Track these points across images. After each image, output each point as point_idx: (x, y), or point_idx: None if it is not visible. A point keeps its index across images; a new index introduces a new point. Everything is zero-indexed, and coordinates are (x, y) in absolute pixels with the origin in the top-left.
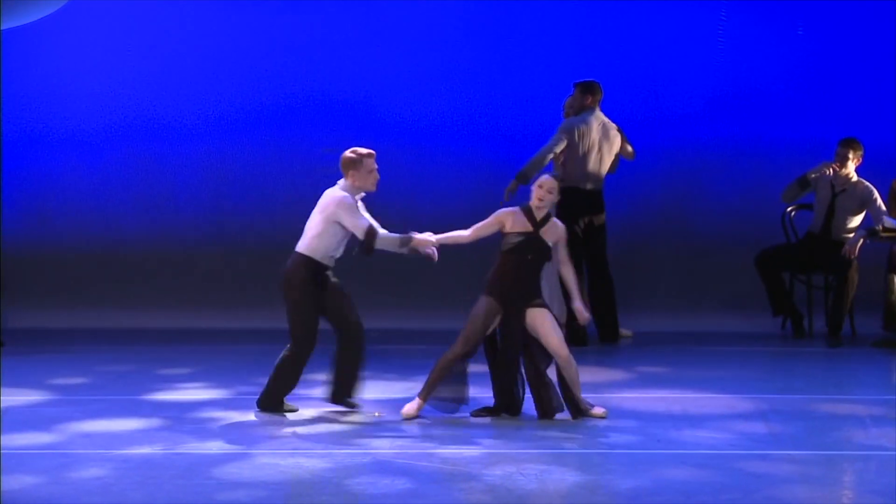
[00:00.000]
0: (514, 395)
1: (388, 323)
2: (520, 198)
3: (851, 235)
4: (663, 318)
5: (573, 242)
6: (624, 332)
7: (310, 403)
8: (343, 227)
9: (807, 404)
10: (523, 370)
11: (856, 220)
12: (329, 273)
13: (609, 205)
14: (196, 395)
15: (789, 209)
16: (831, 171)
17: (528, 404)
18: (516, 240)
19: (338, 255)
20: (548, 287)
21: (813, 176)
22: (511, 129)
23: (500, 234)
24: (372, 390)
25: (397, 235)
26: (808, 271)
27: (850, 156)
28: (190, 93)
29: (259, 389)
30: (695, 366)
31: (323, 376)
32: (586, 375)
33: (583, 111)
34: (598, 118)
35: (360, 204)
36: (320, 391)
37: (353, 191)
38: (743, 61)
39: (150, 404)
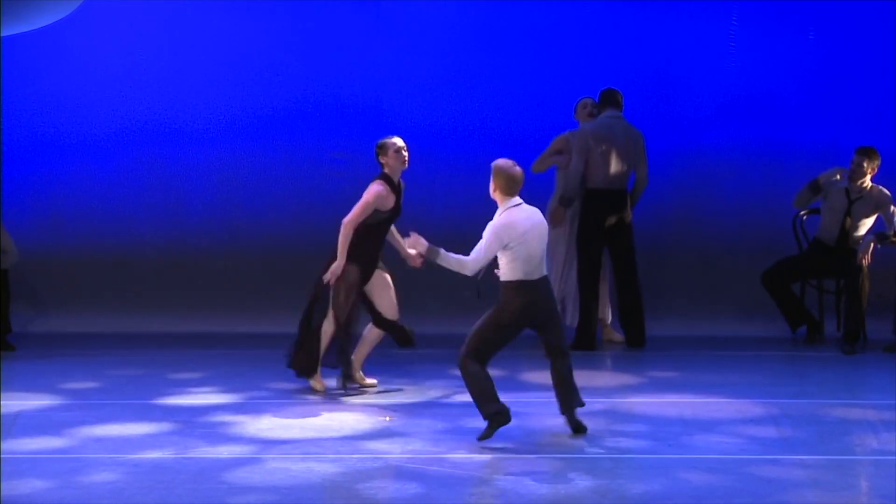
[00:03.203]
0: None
1: None
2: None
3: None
4: (674, 323)
5: (596, 243)
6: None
7: (319, 408)
8: None
9: (818, 409)
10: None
11: (868, 224)
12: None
13: None
14: (207, 399)
15: (801, 213)
16: (840, 176)
17: (534, 411)
18: (386, 216)
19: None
20: (555, 289)
21: (823, 181)
22: (523, 133)
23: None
24: (381, 395)
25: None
26: (819, 277)
27: (866, 164)
28: (201, 97)
29: (271, 394)
30: (706, 370)
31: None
32: (598, 380)
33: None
34: (617, 122)
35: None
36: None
37: None
38: (754, 66)
39: (161, 408)
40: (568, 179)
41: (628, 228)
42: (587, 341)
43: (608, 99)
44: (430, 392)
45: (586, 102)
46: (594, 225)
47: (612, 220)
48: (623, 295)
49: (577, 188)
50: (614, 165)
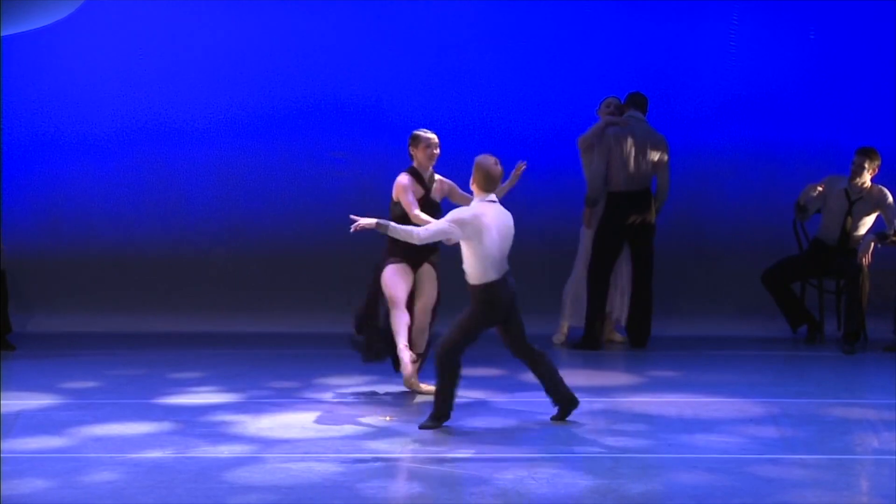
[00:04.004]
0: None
1: None
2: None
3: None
4: (675, 322)
5: (612, 246)
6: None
7: (319, 407)
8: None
9: (818, 408)
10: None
11: (868, 224)
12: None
13: None
14: (207, 398)
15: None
16: (820, 189)
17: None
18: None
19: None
20: (570, 292)
21: (803, 201)
22: (523, 133)
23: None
24: (382, 395)
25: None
26: (819, 276)
27: (867, 165)
28: (200, 97)
29: (271, 394)
30: (706, 370)
31: (337, 380)
32: (598, 380)
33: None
34: (638, 124)
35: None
36: (334, 395)
37: None
38: (755, 65)
39: (161, 408)
40: (591, 180)
41: (651, 230)
42: (592, 342)
43: (632, 101)
44: (430, 392)
45: (610, 102)
46: (613, 229)
47: (636, 218)
48: (636, 295)
49: (600, 189)
50: (634, 167)
